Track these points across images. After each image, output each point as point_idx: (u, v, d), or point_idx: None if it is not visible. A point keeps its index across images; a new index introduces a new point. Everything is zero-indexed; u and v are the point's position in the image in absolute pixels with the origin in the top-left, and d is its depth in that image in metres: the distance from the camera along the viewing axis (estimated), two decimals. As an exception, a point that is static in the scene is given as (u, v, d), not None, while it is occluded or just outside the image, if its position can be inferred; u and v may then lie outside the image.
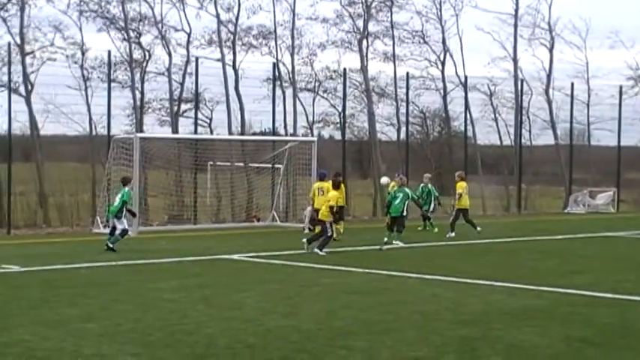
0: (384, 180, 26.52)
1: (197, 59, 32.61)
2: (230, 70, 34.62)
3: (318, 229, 20.97)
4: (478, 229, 24.53)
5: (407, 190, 22.65)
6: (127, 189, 20.77)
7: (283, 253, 20.04)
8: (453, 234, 24.47)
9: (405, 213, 22.41)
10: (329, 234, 19.82)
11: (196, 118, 33.26)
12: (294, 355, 9.71)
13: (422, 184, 27.34)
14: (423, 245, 22.47)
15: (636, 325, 11.69)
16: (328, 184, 23.07)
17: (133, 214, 22.08)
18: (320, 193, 23.56)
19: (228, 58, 34.83)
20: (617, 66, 53.17)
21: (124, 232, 20.50)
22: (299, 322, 11.51)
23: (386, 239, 21.60)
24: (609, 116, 42.03)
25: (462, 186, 25.05)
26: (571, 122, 40.98)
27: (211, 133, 35.02)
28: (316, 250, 19.56)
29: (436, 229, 25.92)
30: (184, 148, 30.43)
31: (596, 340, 10.62)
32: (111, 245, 20.00)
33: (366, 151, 40.76)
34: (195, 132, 32.74)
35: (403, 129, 37.73)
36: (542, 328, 11.29)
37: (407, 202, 22.35)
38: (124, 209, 20.55)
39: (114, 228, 20.59)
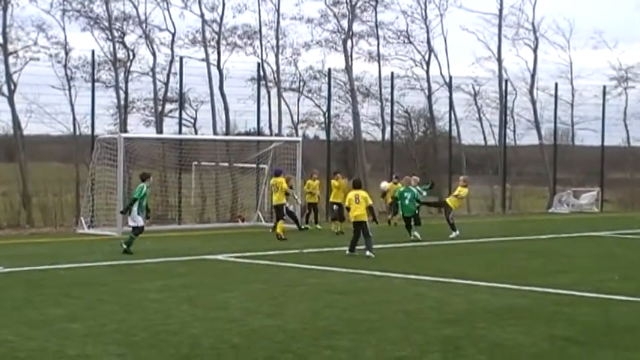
0: (384, 185, 29.07)
1: (181, 59, 32.57)
2: (214, 70, 34.62)
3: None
4: (453, 234, 24.24)
5: (413, 189, 23.77)
6: (142, 185, 20.13)
7: (268, 253, 20.03)
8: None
9: (417, 211, 23.74)
10: (370, 233, 19.33)
11: (181, 118, 33.23)
12: (278, 355, 9.71)
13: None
14: (407, 245, 22.51)
15: (619, 323, 11.75)
16: (281, 180, 24.51)
17: (148, 210, 21.45)
18: (275, 190, 24.46)
19: (213, 57, 34.83)
20: (601, 66, 53.47)
21: (138, 229, 19.93)
22: (284, 322, 11.51)
23: (412, 237, 23.11)
24: (593, 116, 42.32)
25: (461, 191, 24.91)
26: (555, 122, 41.19)
27: (196, 133, 34.98)
28: (368, 253, 18.96)
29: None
30: (169, 148, 30.38)
31: (579, 338, 10.67)
32: (125, 247, 19.58)
33: (351, 151, 40.84)
34: (180, 132, 32.69)
35: (388, 129, 37.84)
36: (526, 327, 11.33)
37: (414, 200, 23.65)
38: (137, 205, 19.91)
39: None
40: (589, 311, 12.64)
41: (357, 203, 19.53)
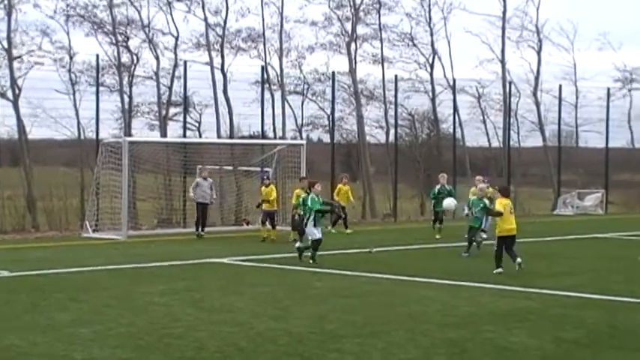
0: (451, 204, 22.38)
1: (185, 63, 32.62)
2: (218, 74, 34.63)
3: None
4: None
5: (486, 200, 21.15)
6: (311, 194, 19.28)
7: (273, 256, 20.04)
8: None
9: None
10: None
11: (185, 122, 33.26)
12: (285, 358, 9.72)
13: (438, 186, 25.59)
14: (412, 247, 22.51)
15: (624, 325, 11.74)
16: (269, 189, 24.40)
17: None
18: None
19: (217, 61, 34.85)
20: (605, 68, 53.49)
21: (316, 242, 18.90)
22: (290, 326, 11.52)
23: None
24: (597, 118, 42.21)
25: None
26: (559, 124, 41.11)
27: (200, 136, 35.02)
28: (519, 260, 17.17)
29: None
30: (173, 152, 30.38)
31: (585, 341, 10.67)
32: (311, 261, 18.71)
33: (354, 153, 40.81)
34: (184, 135, 32.73)
35: (392, 131, 37.78)
36: (532, 329, 11.34)
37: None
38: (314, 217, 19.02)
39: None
40: (594, 313, 12.64)
41: (512, 214, 17.70)
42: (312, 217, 18.98)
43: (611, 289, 14.95)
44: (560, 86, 40.99)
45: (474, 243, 20.87)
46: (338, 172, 33.51)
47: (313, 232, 18.96)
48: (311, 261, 18.72)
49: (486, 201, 20.94)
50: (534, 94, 42.07)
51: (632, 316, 12.58)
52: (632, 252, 21.57)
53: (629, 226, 29.45)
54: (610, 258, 20.47)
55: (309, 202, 19.14)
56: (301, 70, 38.16)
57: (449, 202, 18.07)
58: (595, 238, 25.88)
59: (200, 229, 25.61)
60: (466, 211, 21.23)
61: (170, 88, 34.46)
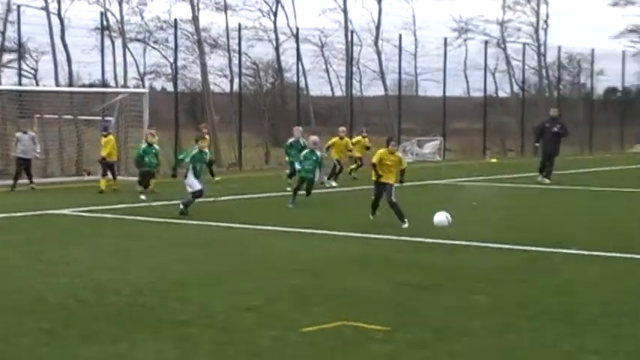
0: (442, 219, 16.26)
1: (19, 7, 31.33)
2: (55, 19, 33.47)
3: None
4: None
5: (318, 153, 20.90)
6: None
7: (116, 207, 19.67)
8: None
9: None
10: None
11: (20, 69, 32.04)
12: (127, 309, 9.57)
13: (292, 139, 24.93)
14: (259, 196, 22.57)
15: (460, 268, 12.18)
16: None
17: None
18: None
19: (53, 6, 33.64)
20: (443, 19, 54.92)
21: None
22: (132, 276, 11.35)
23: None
24: (435, 67, 43.37)
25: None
26: (399, 73, 41.98)
27: (37, 84, 33.81)
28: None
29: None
30: (8, 100, 29.21)
31: (425, 283, 10.99)
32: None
33: (199, 102, 40.45)
34: (20, 83, 31.52)
35: (236, 80, 37.61)
36: (374, 274, 11.60)
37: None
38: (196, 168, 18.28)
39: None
40: (434, 257, 13.06)
41: None
42: (191, 169, 18.25)
43: (448, 233, 15.43)
44: (400, 36, 41.81)
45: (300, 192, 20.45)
46: (182, 122, 33.17)
47: (193, 184, 18.30)
48: (182, 206, 18.04)
49: (319, 153, 20.96)
50: (375, 43, 42.77)
51: (466, 258, 13.07)
52: (467, 197, 22.38)
53: (465, 172, 30.52)
54: (447, 203, 21.10)
55: (185, 156, 18.42)
56: (142, 17, 37.39)
57: (441, 219, 15.47)
58: (433, 184, 26.69)
59: (29, 182, 24.53)
60: (298, 167, 20.91)
61: (3, 33, 33.09)
